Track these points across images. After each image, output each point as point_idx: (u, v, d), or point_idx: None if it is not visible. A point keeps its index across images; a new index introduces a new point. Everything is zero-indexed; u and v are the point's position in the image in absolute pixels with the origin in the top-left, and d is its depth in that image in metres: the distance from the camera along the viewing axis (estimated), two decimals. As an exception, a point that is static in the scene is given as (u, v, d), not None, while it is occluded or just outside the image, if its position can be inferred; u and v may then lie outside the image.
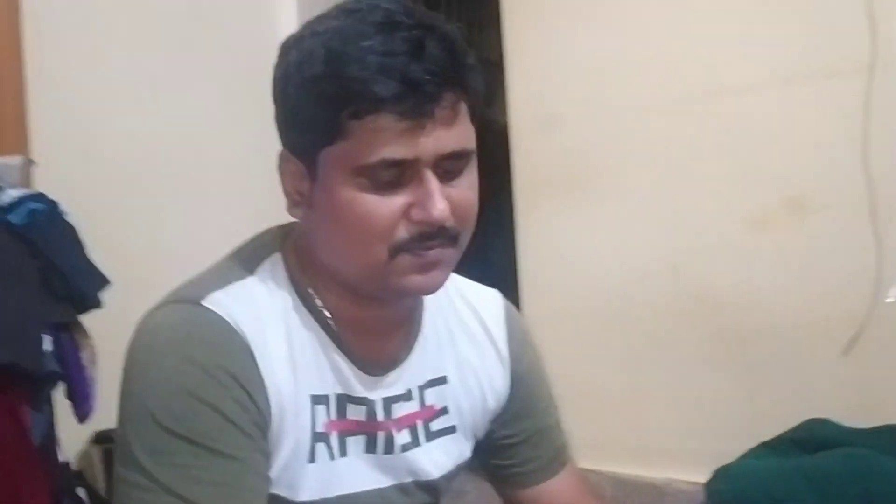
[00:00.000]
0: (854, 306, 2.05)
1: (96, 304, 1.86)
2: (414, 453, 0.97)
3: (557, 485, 1.09)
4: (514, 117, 2.61)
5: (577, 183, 2.49)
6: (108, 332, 2.11)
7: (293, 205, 0.90)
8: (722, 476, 1.91)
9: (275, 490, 0.88)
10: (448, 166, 0.84)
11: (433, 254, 0.85)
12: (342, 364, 0.92)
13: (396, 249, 0.84)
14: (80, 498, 1.99)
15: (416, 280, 0.86)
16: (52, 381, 1.71)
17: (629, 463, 2.37)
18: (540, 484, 1.09)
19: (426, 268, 0.86)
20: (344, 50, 0.80)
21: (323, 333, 0.91)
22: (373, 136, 0.80)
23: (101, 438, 2.29)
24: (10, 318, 1.58)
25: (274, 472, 0.87)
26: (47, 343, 1.68)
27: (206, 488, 0.80)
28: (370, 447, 0.94)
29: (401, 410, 0.96)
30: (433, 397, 0.99)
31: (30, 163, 1.96)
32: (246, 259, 0.93)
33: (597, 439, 2.23)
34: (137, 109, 2.42)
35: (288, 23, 2.83)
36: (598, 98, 2.45)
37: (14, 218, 1.75)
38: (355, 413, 0.93)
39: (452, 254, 0.88)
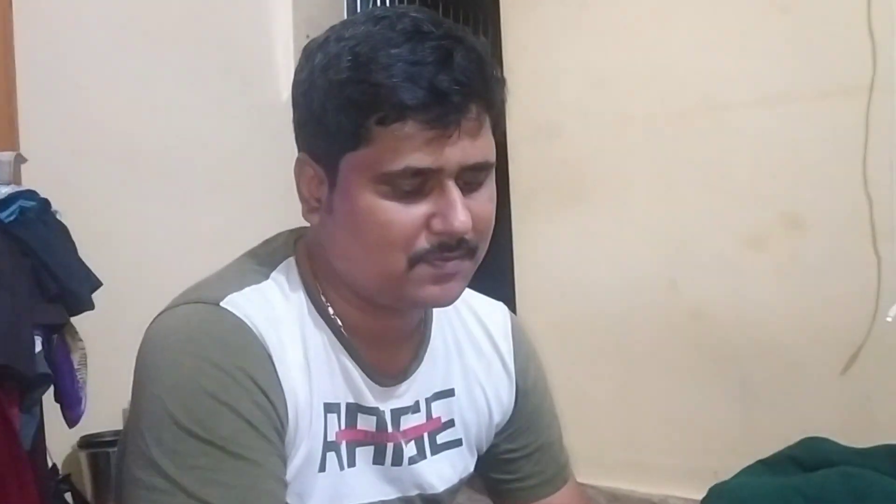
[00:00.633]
0: (853, 325, 2.05)
1: (89, 305, 1.83)
2: (420, 466, 0.96)
3: (558, 500, 1.08)
4: (511, 127, 2.59)
5: (574, 193, 2.48)
6: (98, 333, 2.09)
7: (309, 210, 0.89)
8: (718, 493, 1.88)
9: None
10: (469, 178, 0.84)
11: (451, 265, 0.85)
12: (354, 373, 0.90)
13: (415, 259, 0.83)
14: (67, 502, 1.95)
15: (433, 291, 0.86)
16: (43, 383, 1.67)
17: (624, 478, 2.35)
18: (540, 499, 1.07)
19: (444, 279, 0.85)
20: (372, 56, 0.80)
21: (335, 341, 0.90)
22: (398, 144, 0.80)
23: (87, 443, 2.25)
24: (2, 319, 1.54)
25: (286, 480, 0.85)
26: (38, 344, 1.64)
27: (226, 491, 0.78)
28: (378, 458, 0.92)
29: (409, 422, 0.95)
30: (440, 409, 0.98)
31: (20, 159, 1.93)
32: (261, 262, 0.91)
33: (591, 454, 2.21)
34: (129, 106, 2.40)
35: (282, 18, 2.80)
36: (595, 109, 2.45)
37: (4, 215, 1.71)
38: (365, 423, 0.91)
39: (470, 266, 0.87)
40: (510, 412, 1.05)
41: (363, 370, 0.90)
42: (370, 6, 2.87)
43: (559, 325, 2.47)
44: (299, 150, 0.89)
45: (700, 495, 1.93)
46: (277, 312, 0.86)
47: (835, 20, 2.08)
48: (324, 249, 0.89)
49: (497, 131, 0.86)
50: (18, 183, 1.90)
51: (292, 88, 0.88)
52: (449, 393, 0.99)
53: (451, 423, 0.99)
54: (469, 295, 1.04)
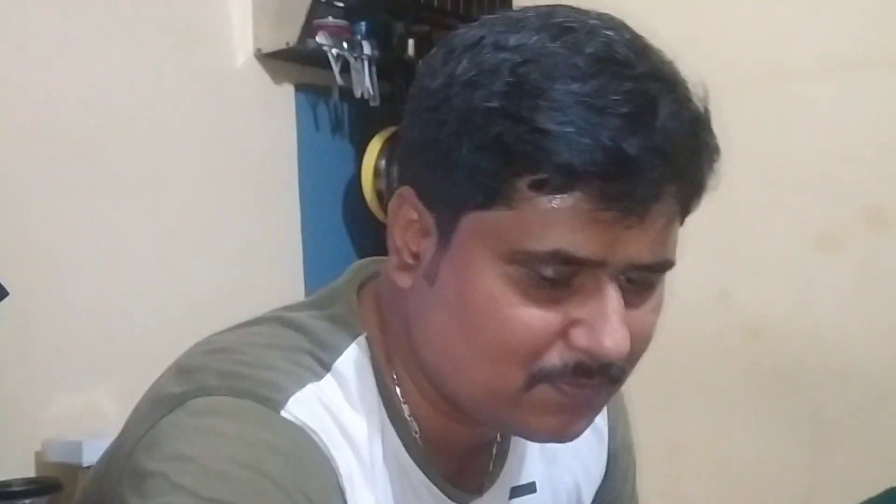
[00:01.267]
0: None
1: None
2: None
3: None
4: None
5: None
6: (6, 355, 2.08)
7: (400, 267, 0.81)
8: (782, 558, 1.87)
9: None
10: (637, 279, 0.76)
11: (585, 394, 0.77)
12: (424, 492, 0.84)
13: (538, 378, 0.75)
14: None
15: (550, 424, 0.78)
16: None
17: (665, 539, 2.34)
18: None
19: (569, 410, 0.78)
20: (542, 87, 0.71)
21: (406, 454, 0.83)
22: (552, 217, 0.71)
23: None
24: None
25: None
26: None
27: None
28: None
29: None
30: None
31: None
32: (317, 342, 0.82)
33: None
34: (40, 69, 2.38)
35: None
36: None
37: None
38: None
39: (606, 399, 0.81)
40: (601, 482, 1.02)
41: (437, 486, 0.85)
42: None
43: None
44: (401, 180, 0.80)
45: (757, 560, 1.94)
46: (345, 426, 0.79)
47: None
48: (406, 322, 0.82)
49: (684, 218, 0.78)
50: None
51: (413, 95, 0.79)
52: (529, 488, 0.94)
53: None
54: None
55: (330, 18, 2.86)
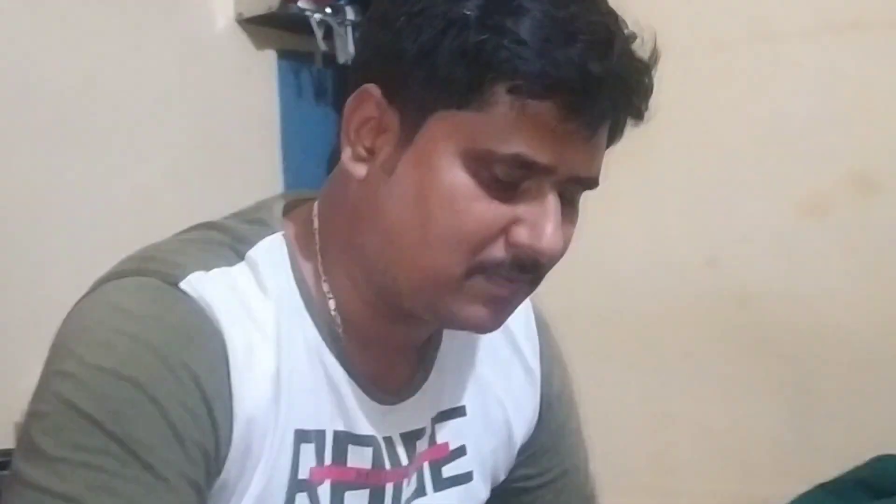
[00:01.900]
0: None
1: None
2: None
3: None
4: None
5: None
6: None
7: (355, 158, 0.86)
8: (768, 525, 1.89)
9: None
10: (569, 192, 0.84)
11: (512, 288, 0.84)
12: (346, 389, 0.87)
13: (477, 268, 0.82)
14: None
15: (479, 313, 0.84)
16: None
17: (652, 506, 2.35)
18: None
19: (496, 301, 0.84)
20: (521, 4, 0.78)
21: (325, 346, 0.87)
22: (519, 123, 0.78)
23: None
24: None
25: None
26: None
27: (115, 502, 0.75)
28: None
29: (413, 452, 0.93)
30: (447, 434, 0.97)
31: None
32: (236, 236, 0.87)
33: (612, 475, 2.19)
34: (12, 34, 2.35)
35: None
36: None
37: None
38: (358, 458, 0.88)
39: (526, 296, 0.88)
40: (533, 427, 1.04)
41: (359, 385, 0.88)
42: None
43: (570, 316, 2.43)
44: (362, 78, 0.85)
45: (747, 528, 1.96)
46: (251, 305, 0.83)
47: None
48: (351, 212, 0.86)
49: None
50: None
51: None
52: (459, 412, 0.97)
53: (461, 452, 0.98)
54: None
55: (313, -17, 2.84)
